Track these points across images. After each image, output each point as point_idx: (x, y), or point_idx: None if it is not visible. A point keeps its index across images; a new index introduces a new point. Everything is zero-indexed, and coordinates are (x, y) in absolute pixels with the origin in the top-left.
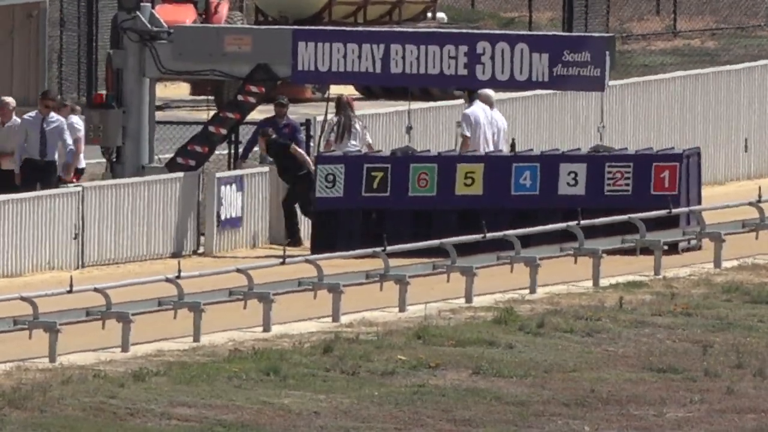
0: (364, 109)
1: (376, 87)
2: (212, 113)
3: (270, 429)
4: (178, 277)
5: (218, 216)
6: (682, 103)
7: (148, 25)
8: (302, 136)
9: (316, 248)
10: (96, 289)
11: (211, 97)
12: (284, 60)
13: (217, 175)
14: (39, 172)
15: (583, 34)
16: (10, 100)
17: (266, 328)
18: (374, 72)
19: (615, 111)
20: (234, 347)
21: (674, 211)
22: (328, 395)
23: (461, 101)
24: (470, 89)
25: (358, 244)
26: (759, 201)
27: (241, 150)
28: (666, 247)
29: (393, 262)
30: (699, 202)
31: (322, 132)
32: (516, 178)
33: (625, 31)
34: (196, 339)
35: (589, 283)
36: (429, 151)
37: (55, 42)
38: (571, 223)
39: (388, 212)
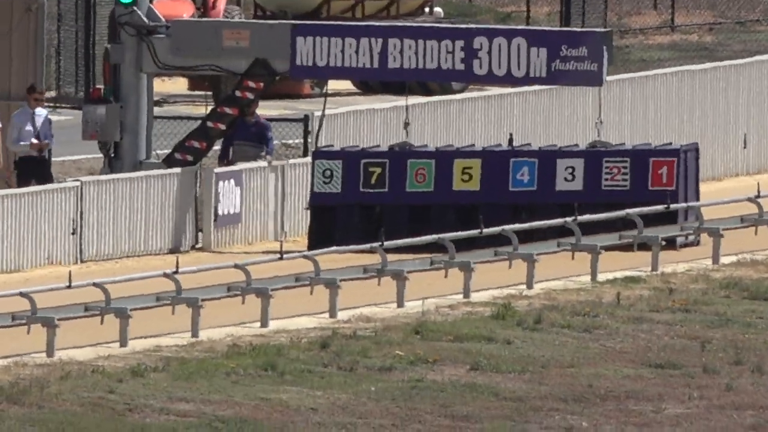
0: (362, 103)
1: (374, 82)
2: (210, 109)
3: (268, 425)
4: (176, 272)
5: (216, 211)
6: (680, 99)
7: (146, 20)
8: (272, 134)
9: (313, 244)
10: (94, 285)
11: (209, 93)
12: (283, 55)
13: (215, 170)
14: (35, 168)
15: (580, 29)
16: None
17: (264, 324)
18: (372, 67)
19: (613, 106)
20: (232, 343)
21: (672, 206)
22: (325, 391)
23: (458, 96)
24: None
25: (355, 240)
26: (758, 196)
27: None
28: (664, 243)
29: (391, 257)
30: (697, 198)
31: (320, 128)
32: (514, 174)
33: (622, 25)
34: (195, 334)
35: (587, 279)
36: (426, 146)
37: (53, 36)
38: (568, 219)
39: (386, 208)
